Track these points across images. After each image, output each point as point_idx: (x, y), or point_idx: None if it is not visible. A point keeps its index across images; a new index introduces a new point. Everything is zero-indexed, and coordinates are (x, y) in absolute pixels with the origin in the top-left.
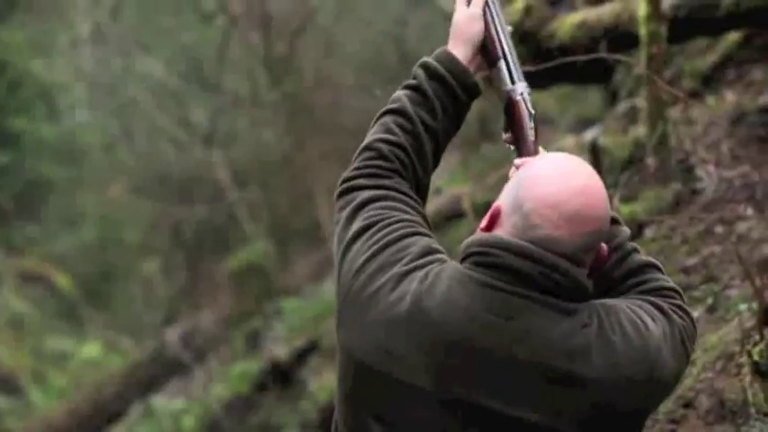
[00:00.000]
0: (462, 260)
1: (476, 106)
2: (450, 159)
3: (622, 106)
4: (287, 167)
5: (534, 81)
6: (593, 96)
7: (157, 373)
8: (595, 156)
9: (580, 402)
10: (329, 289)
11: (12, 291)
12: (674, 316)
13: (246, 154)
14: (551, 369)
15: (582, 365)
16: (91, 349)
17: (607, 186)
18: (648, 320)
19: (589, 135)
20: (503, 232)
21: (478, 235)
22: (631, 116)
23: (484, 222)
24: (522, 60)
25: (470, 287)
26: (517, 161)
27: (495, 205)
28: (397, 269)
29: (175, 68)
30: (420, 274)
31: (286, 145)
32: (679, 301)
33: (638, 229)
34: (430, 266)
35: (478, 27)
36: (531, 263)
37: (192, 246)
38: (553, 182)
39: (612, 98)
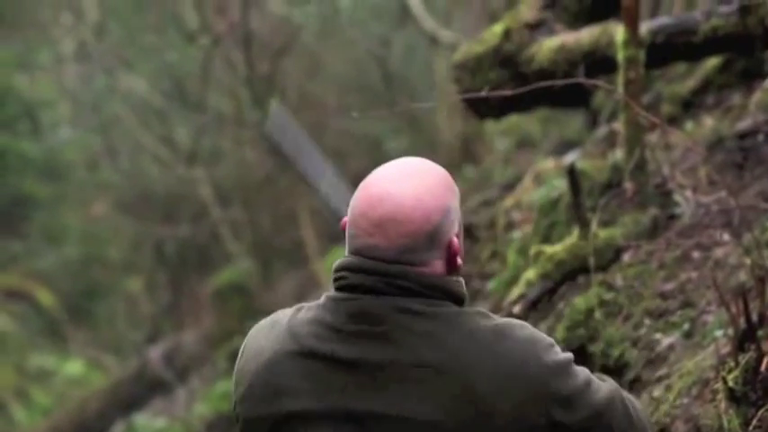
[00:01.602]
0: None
1: (458, 129)
2: None
3: (602, 130)
4: (270, 187)
5: (514, 105)
6: (575, 119)
7: (140, 392)
8: (573, 179)
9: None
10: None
11: None
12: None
13: (230, 173)
14: (424, 364)
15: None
16: (74, 367)
17: (586, 210)
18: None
19: (568, 158)
20: (346, 247)
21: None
22: (610, 140)
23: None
24: (502, 84)
25: (332, 305)
26: None
27: (342, 223)
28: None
29: (159, 86)
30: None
31: (269, 164)
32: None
33: (615, 254)
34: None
35: None
36: (369, 275)
37: (175, 264)
38: (364, 191)
39: (593, 122)
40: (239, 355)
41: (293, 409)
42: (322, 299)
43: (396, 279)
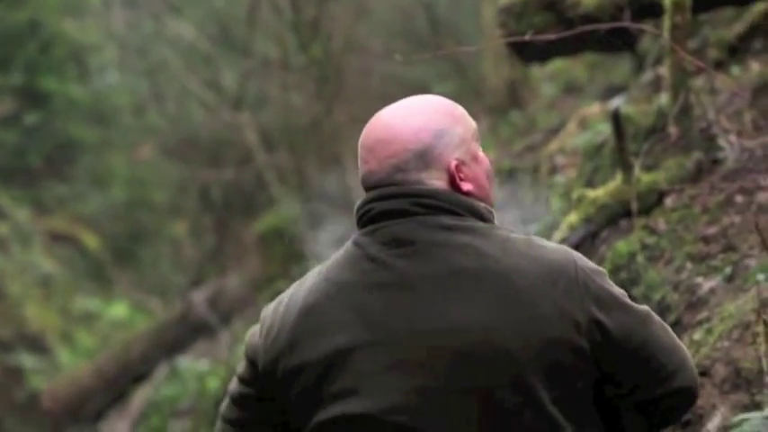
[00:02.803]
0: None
1: (505, 74)
2: (478, 126)
3: (647, 75)
4: (315, 131)
5: (559, 49)
6: (623, 64)
7: (183, 335)
8: (617, 124)
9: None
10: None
11: (41, 251)
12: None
13: (275, 117)
14: (463, 272)
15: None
16: (118, 310)
17: (630, 154)
18: None
19: (613, 103)
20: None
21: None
22: (656, 85)
23: None
24: (547, 28)
25: (362, 240)
26: None
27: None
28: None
29: (205, 31)
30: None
31: (315, 109)
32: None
33: (658, 198)
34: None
35: None
36: (393, 200)
37: (219, 208)
38: (372, 123)
39: (639, 67)
40: (268, 322)
41: (342, 344)
42: (349, 242)
43: (421, 198)
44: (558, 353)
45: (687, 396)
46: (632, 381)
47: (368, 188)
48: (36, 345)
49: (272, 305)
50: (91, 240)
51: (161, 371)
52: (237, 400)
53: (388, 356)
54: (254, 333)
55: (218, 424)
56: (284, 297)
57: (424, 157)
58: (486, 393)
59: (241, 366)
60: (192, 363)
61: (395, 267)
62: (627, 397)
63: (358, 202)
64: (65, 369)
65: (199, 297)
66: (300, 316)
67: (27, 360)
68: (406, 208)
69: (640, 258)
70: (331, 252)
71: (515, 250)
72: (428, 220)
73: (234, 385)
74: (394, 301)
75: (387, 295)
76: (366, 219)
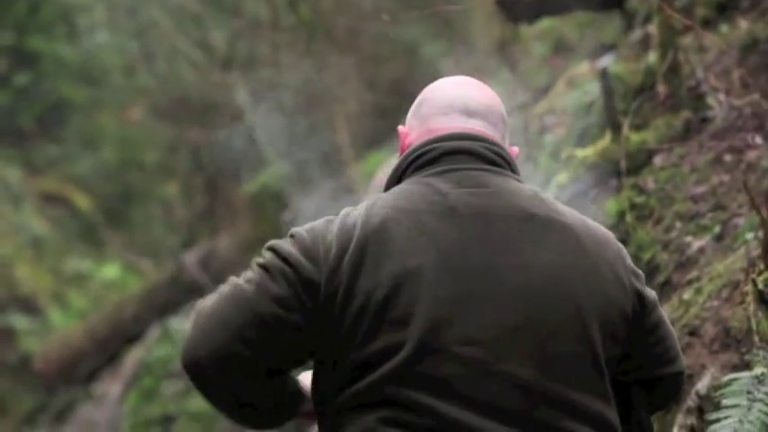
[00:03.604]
0: (397, 182)
1: (494, 33)
2: None
3: (636, 33)
4: (305, 91)
5: (548, 8)
6: (612, 23)
7: (176, 296)
8: (605, 83)
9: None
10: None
11: (32, 211)
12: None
13: (265, 77)
14: (536, 218)
15: (559, 214)
16: (110, 271)
17: (619, 114)
18: None
19: (602, 62)
20: (415, 135)
21: (401, 157)
22: (645, 43)
23: (399, 151)
24: None
25: (423, 181)
26: None
27: (400, 132)
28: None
29: None
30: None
31: (305, 69)
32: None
33: (647, 157)
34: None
35: None
36: (467, 140)
37: (210, 169)
38: (438, 86)
39: (628, 25)
40: (322, 244)
41: (413, 266)
42: (406, 183)
43: (492, 145)
44: (613, 314)
45: (680, 381)
46: (641, 358)
47: (435, 140)
48: (28, 306)
49: (316, 228)
50: (82, 201)
51: (153, 332)
52: (265, 321)
53: (461, 285)
54: (295, 254)
55: (213, 321)
56: (329, 222)
57: (498, 125)
58: (551, 335)
59: (276, 287)
60: (184, 324)
61: (471, 203)
62: (627, 374)
63: (413, 147)
64: (57, 330)
65: (190, 258)
66: (366, 238)
67: (19, 321)
68: (474, 148)
69: (629, 218)
70: (322, 212)
71: (569, 211)
72: (498, 170)
73: (262, 301)
74: (470, 233)
75: (462, 227)
76: (427, 159)
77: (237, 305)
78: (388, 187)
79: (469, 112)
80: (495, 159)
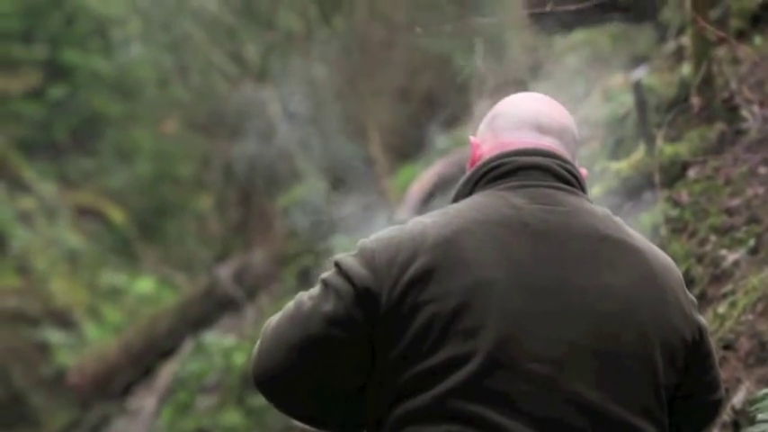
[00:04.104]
0: (468, 194)
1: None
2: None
3: (670, 45)
4: (339, 104)
5: (581, 20)
6: (646, 35)
7: (209, 310)
8: (639, 95)
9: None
10: (380, 227)
11: (67, 225)
12: None
13: (298, 90)
14: (611, 240)
15: (629, 238)
16: (145, 284)
17: (652, 126)
18: None
19: (636, 74)
20: (489, 146)
21: (473, 169)
22: (678, 55)
23: (470, 163)
24: None
25: (497, 194)
26: None
27: (472, 142)
28: None
29: (228, 3)
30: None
31: (338, 81)
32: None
33: (681, 169)
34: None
35: None
36: (542, 156)
37: (244, 182)
38: (513, 100)
39: (662, 37)
40: (388, 253)
41: (486, 279)
42: (479, 192)
43: (565, 163)
44: (676, 342)
45: (720, 408)
46: (692, 386)
47: (510, 153)
48: (63, 320)
49: (381, 238)
50: (117, 215)
51: (187, 346)
52: (318, 340)
53: (532, 301)
54: (354, 266)
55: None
56: (395, 232)
57: (570, 144)
58: (617, 358)
59: (329, 305)
60: (217, 338)
61: (545, 220)
62: (674, 401)
63: (486, 159)
64: (91, 344)
65: (224, 272)
66: (437, 247)
67: (54, 335)
68: (549, 165)
69: (664, 231)
70: (357, 224)
71: (637, 234)
72: (571, 190)
73: (315, 320)
74: (543, 249)
75: (536, 243)
76: (501, 172)
77: (295, 323)
78: (457, 197)
79: (543, 129)
80: (569, 178)
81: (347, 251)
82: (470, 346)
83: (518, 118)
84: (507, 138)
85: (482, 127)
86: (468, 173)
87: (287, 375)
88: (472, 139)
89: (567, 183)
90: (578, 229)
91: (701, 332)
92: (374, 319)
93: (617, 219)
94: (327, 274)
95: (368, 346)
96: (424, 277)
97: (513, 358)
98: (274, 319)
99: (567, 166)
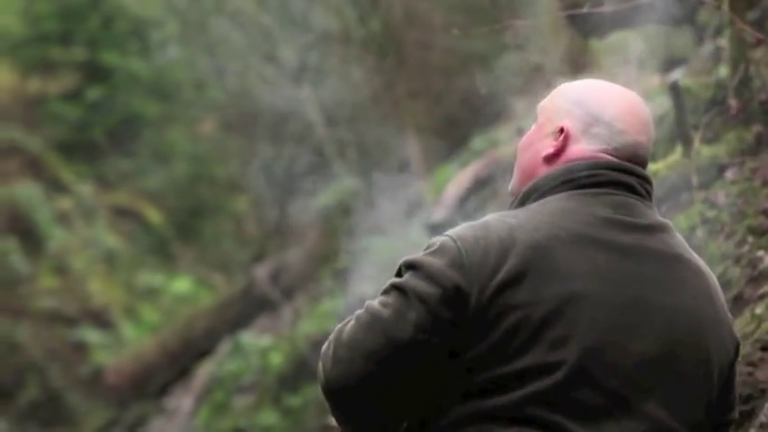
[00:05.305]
0: (551, 192)
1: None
2: (539, 100)
3: (707, 47)
4: (376, 105)
5: (617, 22)
6: (684, 36)
7: (246, 310)
8: (676, 96)
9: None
10: (416, 228)
11: (104, 226)
12: None
13: (335, 91)
14: (686, 261)
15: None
16: (182, 285)
17: (690, 127)
18: None
19: (673, 75)
20: (583, 147)
21: (569, 165)
22: (716, 57)
23: (552, 148)
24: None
25: (583, 200)
26: None
27: (558, 127)
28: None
29: (265, 5)
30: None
31: (375, 83)
32: None
33: (718, 170)
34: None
35: None
36: (629, 175)
37: (281, 183)
38: (620, 94)
39: (699, 38)
40: (476, 253)
41: (578, 291)
42: (564, 194)
43: (645, 181)
44: (725, 361)
45: (732, 426)
46: (718, 403)
47: (623, 156)
48: (100, 320)
49: (465, 237)
50: (154, 215)
51: (224, 346)
52: (405, 347)
53: (615, 316)
54: (439, 266)
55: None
56: (478, 231)
57: (650, 150)
58: (685, 378)
59: (413, 311)
60: (254, 338)
61: (627, 235)
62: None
63: (580, 164)
64: (129, 344)
65: (261, 272)
66: (530, 251)
67: (91, 335)
68: (633, 184)
69: (701, 232)
70: (393, 225)
71: (694, 252)
72: (648, 204)
73: (400, 327)
74: (625, 265)
75: (619, 259)
76: (591, 182)
77: (375, 332)
78: (536, 190)
79: (641, 133)
80: (641, 192)
81: (382, 252)
82: (558, 356)
83: (619, 119)
84: (630, 140)
85: (576, 116)
86: (559, 172)
87: (365, 384)
88: (564, 124)
89: (642, 197)
90: (655, 245)
91: (737, 350)
92: (460, 320)
93: (679, 234)
94: (404, 278)
95: (448, 347)
96: (514, 281)
97: (595, 373)
98: (345, 331)
99: (647, 186)
